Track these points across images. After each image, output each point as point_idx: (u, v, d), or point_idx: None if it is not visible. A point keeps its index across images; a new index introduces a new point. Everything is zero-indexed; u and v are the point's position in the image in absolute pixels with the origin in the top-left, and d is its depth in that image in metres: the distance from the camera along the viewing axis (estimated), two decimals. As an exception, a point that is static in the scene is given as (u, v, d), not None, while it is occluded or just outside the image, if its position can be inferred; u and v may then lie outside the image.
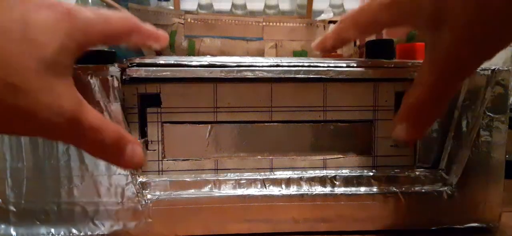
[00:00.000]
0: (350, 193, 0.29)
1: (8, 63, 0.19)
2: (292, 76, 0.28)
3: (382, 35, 0.36)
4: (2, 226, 0.27)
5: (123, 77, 0.27)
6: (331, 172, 0.29)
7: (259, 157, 0.29)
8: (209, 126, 0.29)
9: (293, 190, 0.29)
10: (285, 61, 0.28)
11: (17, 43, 0.19)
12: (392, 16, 0.26)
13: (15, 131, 0.24)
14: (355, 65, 0.28)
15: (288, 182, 0.29)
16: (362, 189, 0.29)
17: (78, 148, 0.25)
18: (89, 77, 0.26)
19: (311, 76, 0.28)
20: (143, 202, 0.27)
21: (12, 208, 0.27)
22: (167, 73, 0.27)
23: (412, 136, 0.26)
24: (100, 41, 0.24)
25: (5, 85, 0.19)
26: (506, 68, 0.28)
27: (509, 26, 0.21)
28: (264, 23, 0.59)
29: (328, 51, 0.32)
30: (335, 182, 0.29)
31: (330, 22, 0.61)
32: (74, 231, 0.27)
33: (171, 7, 0.65)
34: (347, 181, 0.29)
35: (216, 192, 0.28)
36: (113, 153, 0.24)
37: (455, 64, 0.22)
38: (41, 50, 0.20)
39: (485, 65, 0.28)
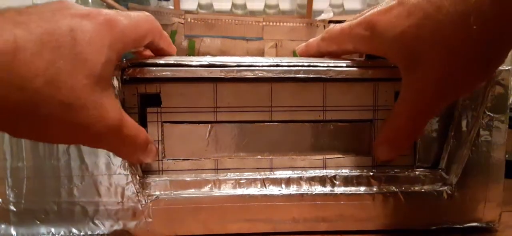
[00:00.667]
0: (350, 192, 0.29)
1: (61, 81, 0.19)
2: (292, 76, 0.28)
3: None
4: (2, 225, 0.27)
5: (123, 77, 0.27)
6: (331, 172, 0.29)
7: (259, 157, 0.29)
8: (209, 125, 0.29)
9: (293, 189, 0.29)
10: (285, 61, 0.28)
11: (67, 60, 0.19)
12: (371, 49, 0.28)
13: (63, 142, 0.25)
14: (355, 65, 0.28)
15: (288, 181, 0.29)
16: (362, 189, 0.29)
17: (112, 152, 0.26)
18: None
19: (311, 76, 0.28)
20: (143, 202, 0.27)
21: (12, 207, 0.27)
22: (167, 73, 0.27)
23: (390, 157, 0.29)
24: (134, 46, 0.25)
25: (59, 103, 0.19)
26: (506, 68, 0.28)
27: (475, 70, 0.23)
28: (264, 23, 0.59)
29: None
30: (335, 181, 0.29)
31: (330, 21, 0.61)
32: (74, 230, 0.27)
33: (171, 7, 0.65)
34: (347, 181, 0.29)
35: (216, 192, 0.28)
36: (141, 155, 0.26)
37: (426, 102, 0.25)
38: (90, 66, 0.20)
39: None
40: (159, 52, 0.29)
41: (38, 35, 0.19)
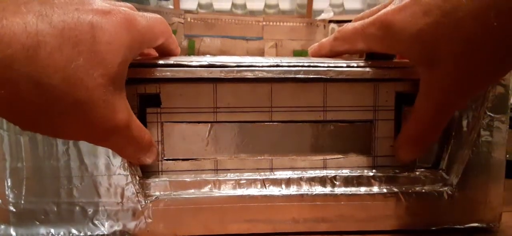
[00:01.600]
0: (350, 193, 0.29)
1: (78, 79, 0.19)
2: (292, 76, 0.28)
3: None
4: (2, 226, 0.27)
5: (123, 77, 0.26)
6: (331, 172, 0.29)
7: (259, 157, 0.29)
8: (209, 125, 0.29)
9: (293, 190, 0.29)
10: (285, 61, 0.28)
11: (85, 57, 0.19)
12: (385, 48, 0.27)
13: (69, 137, 0.25)
14: (355, 65, 0.28)
15: (288, 182, 0.29)
16: (362, 189, 0.29)
17: (117, 151, 0.26)
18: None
19: (311, 76, 0.28)
20: (143, 202, 0.27)
21: (11, 208, 0.27)
22: (167, 73, 0.27)
23: (411, 159, 0.29)
24: (148, 46, 0.25)
25: (74, 100, 0.19)
26: (507, 68, 0.28)
27: (496, 63, 0.23)
28: (264, 23, 0.59)
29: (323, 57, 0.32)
30: (335, 182, 0.29)
31: (330, 21, 0.61)
32: (73, 231, 0.27)
33: (171, 7, 0.65)
34: (347, 181, 0.29)
35: (216, 192, 0.28)
36: (143, 155, 0.26)
37: (447, 99, 0.25)
38: (107, 65, 0.20)
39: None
40: (167, 53, 0.29)
41: (59, 29, 0.19)
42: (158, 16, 0.26)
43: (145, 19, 0.23)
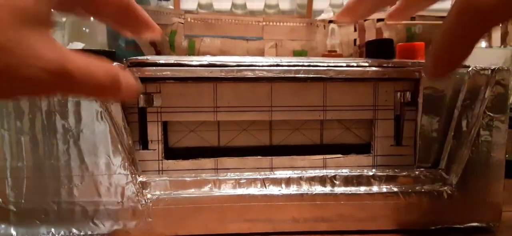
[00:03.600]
0: (350, 192, 0.29)
1: None
2: (292, 75, 0.28)
3: (382, 35, 0.36)
4: (2, 225, 0.27)
5: (123, 77, 0.26)
6: (331, 172, 0.29)
7: (259, 156, 0.29)
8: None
9: (293, 189, 0.29)
10: (285, 60, 0.28)
11: None
12: None
13: (2, 95, 0.21)
14: (355, 64, 0.28)
15: (288, 181, 0.29)
16: (362, 189, 0.29)
17: (74, 96, 0.24)
18: (89, 77, 0.26)
19: (311, 75, 0.28)
20: (143, 202, 0.27)
21: (12, 207, 0.27)
22: (167, 72, 0.27)
23: (436, 73, 0.25)
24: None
25: None
26: (506, 68, 0.28)
27: None
28: (264, 23, 0.59)
29: (356, 18, 0.30)
30: (335, 181, 0.29)
31: (330, 21, 0.61)
32: (74, 230, 0.27)
33: (171, 7, 0.65)
34: (347, 181, 0.29)
35: (216, 192, 0.28)
36: (111, 90, 0.22)
37: (481, 10, 0.22)
38: (17, 0, 0.18)
39: (485, 65, 0.28)
40: (137, 34, 0.26)
41: None
42: None
43: None
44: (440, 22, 0.59)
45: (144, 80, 0.27)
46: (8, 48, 0.18)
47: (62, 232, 0.27)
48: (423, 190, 0.29)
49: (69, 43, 0.55)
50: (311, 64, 0.28)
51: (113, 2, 0.23)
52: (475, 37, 0.24)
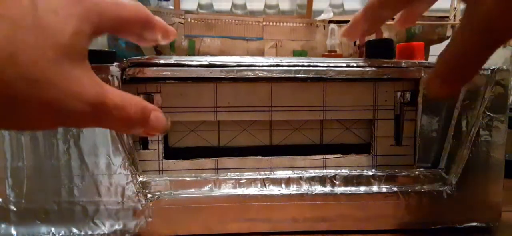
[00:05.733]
0: (350, 192, 0.29)
1: (24, 56, 0.18)
2: (292, 75, 0.28)
3: (382, 35, 0.36)
4: (3, 225, 0.27)
5: (123, 77, 0.27)
6: (330, 172, 0.29)
7: (259, 157, 0.29)
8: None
9: (293, 189, 0.29)
10: (285, 60, 0.28)
11: (29, 32, 0.18)
12: None
13: (40, 126, 0.22)
14: (355, 65, 0.28)
15: (288, 181, 0.29)
16: (362, 189, 0.29)
17: (105, 128, 0.25)
18: (89, 77, 0.26)
19: (311, 75, 0.28)
20: (144, 202, 0.27)
21: (12, 207, 0.27)
22: (167, 72, 0.27)
23: (443, 91, 0.26)
24: (114, 26, 0.23)
25: (24, 80, 0.18)
26: (506, 68, 0.28)
27: None
28: (264, 23, 0.59)
29: (360, 36, 0.31)
30: (335, 181, 0.29)
31: (330, 21, 0.61)
32: (74, 230, 0.27)
33: (171, 7, 0.65)
34: (347, 181, 0.29)
35: (216, 192, 0.28)
36: (140, 124, 0.23)
37: (490, 31, 0.23)
38: (56, 37, 0.18)
39: (485, 65, 0.28)
40: (156, 41, 0.27)
41: None
42: (137, 3, 0.24)
43: None
44: (440, 22, 0.59)
45: (144, 80, 0.27)
46: (54, 83, 0.19)
47: (62, 232, 0.27)
48: (423, 190, 0.29)
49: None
50: (311, 64, 0.28)
51: (135, 20, 0.24)
52: (487, 55, 0.24)
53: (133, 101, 0.23)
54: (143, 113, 0.23)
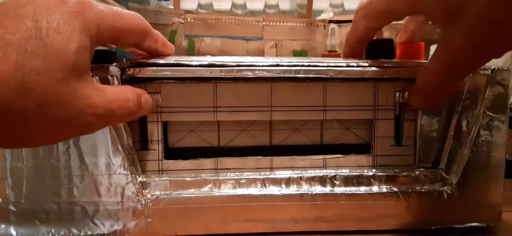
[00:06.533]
0: (350, 192, 0.29)
1: (34, 83, 0.18)
2: (292, 75, 0.28)
3: (382, 35, 0.36)
4: (2, 225, 0.27)
5: (123, 77, 0.27)
6: (331, 172, 0.29)
7: (259, 157, 0.29)
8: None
9: (293, 189, 0.29)
10: (285, 60, 0.28)
11: (37, 57, 0.18)
12: (409, 8, 0.28)
13: (54, 141, 0.24)
14: (355, 64, 0.28)
15: (288, 181, 0.29)
16: (362, 189, 0.29)
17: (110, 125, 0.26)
18: (89, 77, 0.26)
19: (311, 75, 0.28)
20: (143, 202, 0.27)
21: (12, 207, 0.27)
22: (167, 72, 0.27)
23: (422, 107, 0.29)
24: (113, 36, 0.23)
25: (35, 105, 0.18)
26: (506, 68, 0.28)
27: None
28: (264, 23, 0.59)
29: (356, 55, 0.32)
30: (335, 181, 0.29)
31: (330, 21, 0.61)
32: (74, 230, 0.27)
33: (171, 7, 0.65)
34: (347, 181, 0.29)
35: (216, 192, 0.28)
36: (136, 113, 0.25)
37: (462, 59, 0.25)
38: (62, 57, 0.19)
39: (485, 64, 0.28)
40: (154, 53, 0.28)
41: (0, 35, 0.17)
42: (135, 12, 0.25)
43: (107, 7, 0.22)
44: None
45: (144, 80, 0.27)
46: (64, 103, 0.19)
47: (62, 232, 0.27)
48: (423, 190, 0.29)
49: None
50: (311, 64, 0.28)
51: (134, 31, 0.25)
52: (457, 81, 0.28)
53: (130, 95, 0.24)
54: (138, 101, 0.25)
